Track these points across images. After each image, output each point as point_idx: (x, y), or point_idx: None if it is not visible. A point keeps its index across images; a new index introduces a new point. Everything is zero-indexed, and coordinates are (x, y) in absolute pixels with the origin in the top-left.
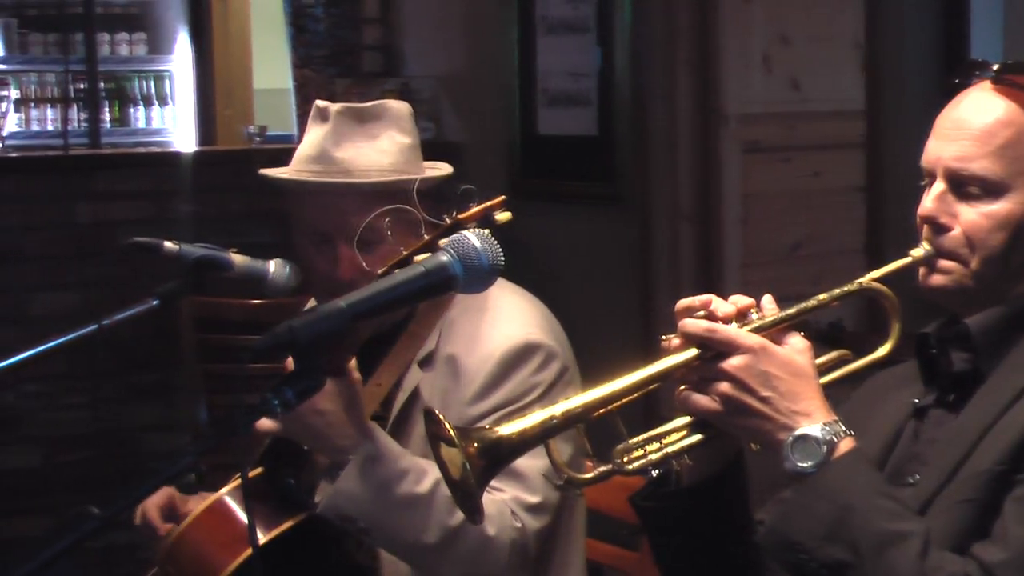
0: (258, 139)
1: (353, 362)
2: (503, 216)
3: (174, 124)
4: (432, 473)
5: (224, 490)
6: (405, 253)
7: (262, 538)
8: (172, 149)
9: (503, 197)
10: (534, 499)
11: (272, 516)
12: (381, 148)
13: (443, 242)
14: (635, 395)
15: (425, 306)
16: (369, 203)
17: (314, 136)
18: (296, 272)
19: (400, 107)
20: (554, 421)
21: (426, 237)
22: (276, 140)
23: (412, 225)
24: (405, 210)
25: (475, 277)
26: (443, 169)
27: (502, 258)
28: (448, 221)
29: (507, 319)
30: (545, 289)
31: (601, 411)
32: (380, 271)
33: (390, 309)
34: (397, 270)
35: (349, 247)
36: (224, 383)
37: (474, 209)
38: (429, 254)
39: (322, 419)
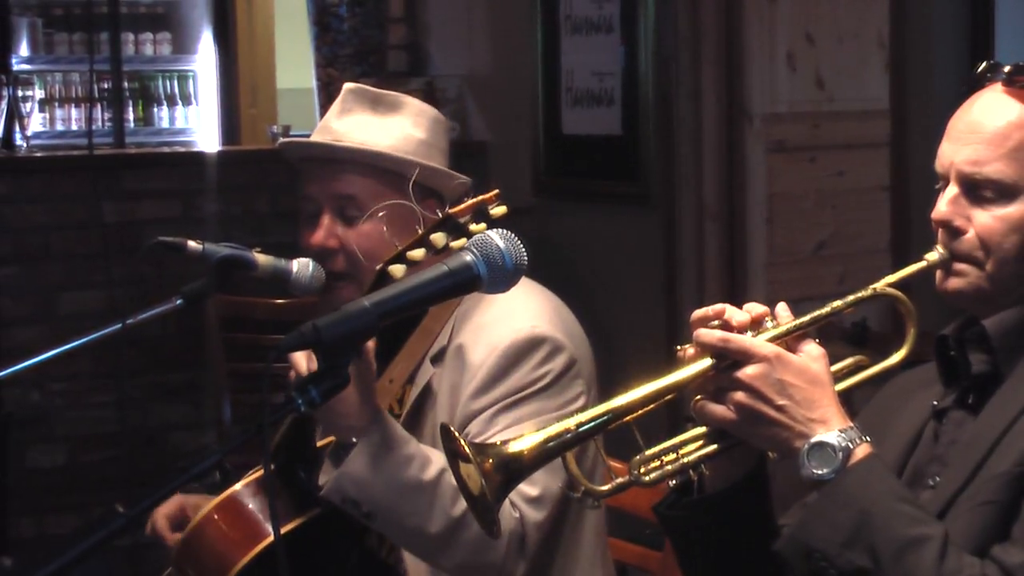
0: (282, 138)
1: (371, 343)
2: (498, 210)
3: (198, 123)
4: (438, 461)
5: (236, 486)
6: (400, 248)
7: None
8: (196, 149)
9: (496, 192)
10: (534, 491)
11: (285, 511)
12: (386, 129)
13: (464, 242)
14: (651, 407)
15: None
16: (355, 174)
17: (327, 113)
18: (320, 271)
19: (423, 105)
20: (569, 435)
21: (420, 231)
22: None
23: (409, 220)
24: (402, 205)
25: (499, 277)
26: (460, 177)
27: (525, 258)
28: (440, 215)
29: (515, 311)
30: (569, 289)
31: (617, 423)
32: (377, 267)
33: (414, 308)
34: (396, 266)
35: (330, 216)
36: (249, 382)
37: (467, 202)
38: (456, 250)
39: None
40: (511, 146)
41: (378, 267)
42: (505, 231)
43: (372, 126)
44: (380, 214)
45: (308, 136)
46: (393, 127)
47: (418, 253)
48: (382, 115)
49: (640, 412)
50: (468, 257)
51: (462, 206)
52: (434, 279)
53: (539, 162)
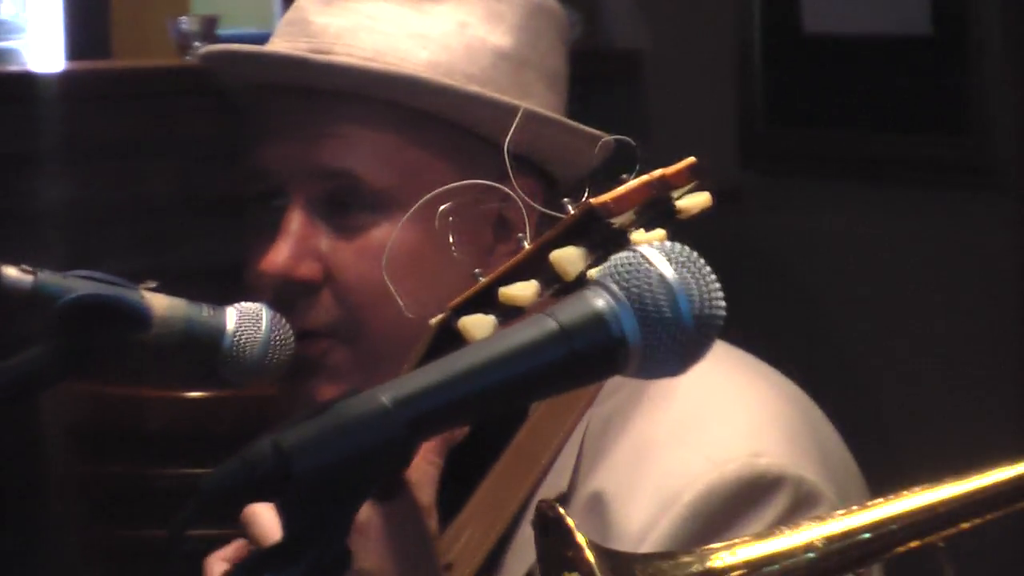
0: (199, 45)
1: (427, 472)
2: (694, 201)
3: (27, 19)
4: None
5: None
6: (484, 281)
7: None
8: (22, 67)
9: (692, 161)
10: None
11: None
12: (418, 28)
13: (595, 272)
14: (985, 518)
15: (550, 401)
16: (363, 124)
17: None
18: (284, 329)
19: None
20: (811, 555)
21: (526, 245)
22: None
23: (479, 222)
24: (470, 191)
25: (665, 343)
26: (590, 133)
27: (721, 303)
28: (571, 210)
29: (710, 419)
30: (816, 332)
31: (912, 544)
32: (432, 321)
33: (482, 411)
34: (472, 318)
35: (305, 213)
36: (133, 563)
37: (630, 184)
38: (571, 293)
39: None
40: (693, 63)
41: (434, 319)
42: (674, 244)
43: (395, 22)
44: (440, 208)
45: (264, 41)
46: (436, 25)
47: (522, 291)
48: (415, 1)
49: (952, 529)
50: (598, 301)
51: (617, 192)
52: (523, 348)
53: (753, 99)
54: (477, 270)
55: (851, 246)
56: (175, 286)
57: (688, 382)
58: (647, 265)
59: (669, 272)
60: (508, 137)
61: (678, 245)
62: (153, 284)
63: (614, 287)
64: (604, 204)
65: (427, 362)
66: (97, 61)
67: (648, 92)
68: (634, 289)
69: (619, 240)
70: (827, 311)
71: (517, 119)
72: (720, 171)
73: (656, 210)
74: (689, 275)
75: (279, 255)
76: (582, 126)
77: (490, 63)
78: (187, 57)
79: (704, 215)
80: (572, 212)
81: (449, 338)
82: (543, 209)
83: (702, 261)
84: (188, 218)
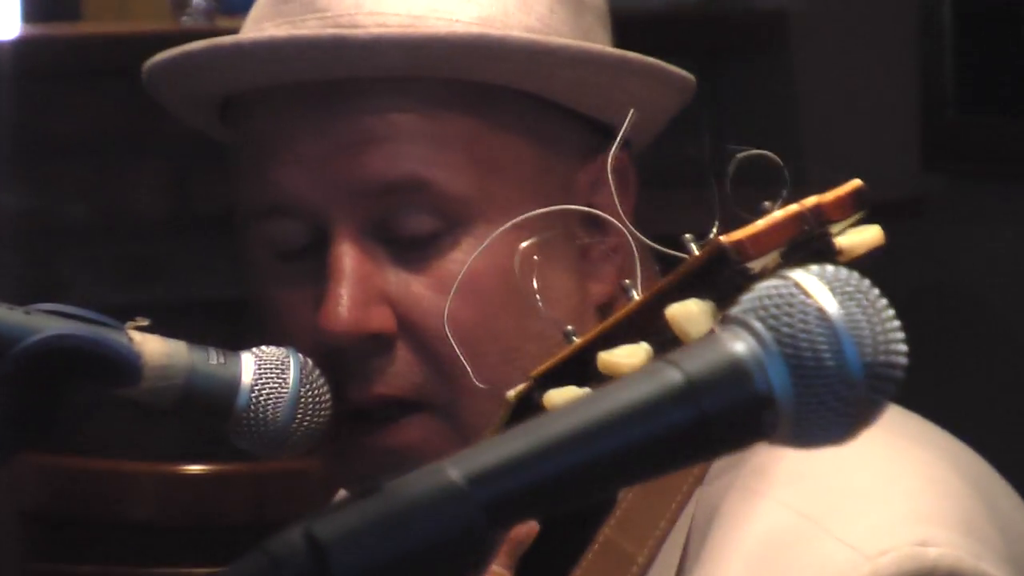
0: (200, 4)
1: None
2: (860, 237)
3: None
4: None
5: None
6: (578, 342)
7: None
8: None
9: (857, 183)
10: None
11: None
12: None
13: (733, 311)
14: None
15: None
16: (426, 110)
17: None
18: (320, 384)
19: None
20: None
21: (635, 295)
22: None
23: (600, 240)
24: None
25: (825, 401)
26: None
27: (902, 344)
28: (695, 248)
29: (860, 504)
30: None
31: None
32: (510, 394)
33: (579, 493)
34: (562, 392)
35: (359, 246)
36: None
37: (772, 217)
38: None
39: None
40: (859, 28)
41: (512, 392)
42: (844, 273)
43: None
44: (521, 246)
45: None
46: None
47: (629, 359)
48: None
49: None
50: (738, 346)
51: (760, 226)
52: (642, 409)
53: (941, 79)
54: (569, 327)
55: None
56: (172, 324)
57: (830, 452)
58: (802, 297)
59: (832, 306)
60: (628, 120)
61: (844, 270)
62: (144, 322)
63: (758, 326)
64: (738, 244)
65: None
66: (64, 24)
67: (796, 67)
68: (785, 329)
69: (745, 273)
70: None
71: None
72: (897, 174)
73: (808, 250)
74: (859, 310)
75: (340, 306)
76: (674, 68)
77: (547, 9)
78: (184, 19)
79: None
80: (696, 252)
81: (532, 416)
82: (657, 247)
83: (876, 292)
84: (184, 235)
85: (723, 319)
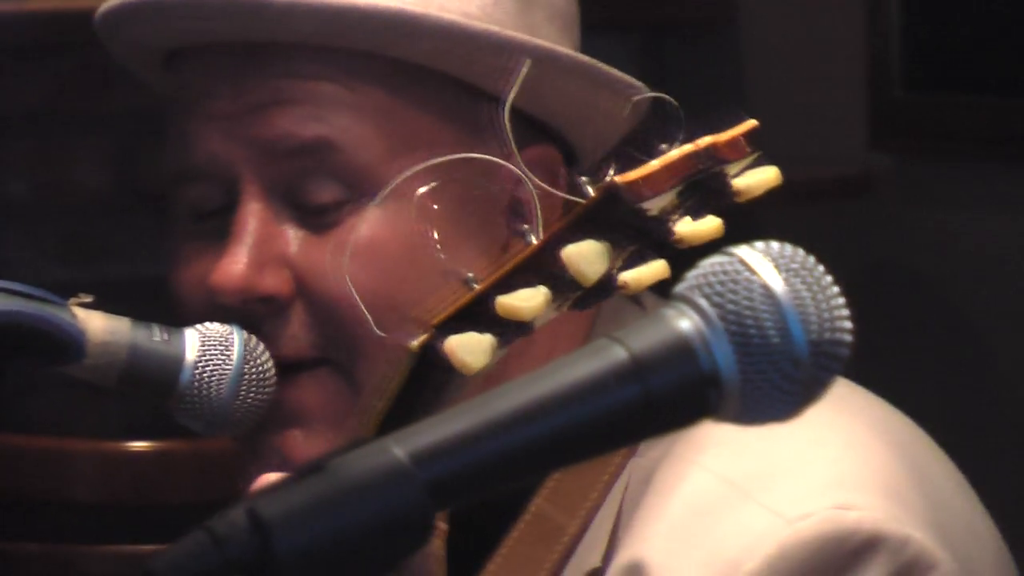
0: None
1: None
2: (757, 178)
3: None
4: None
5: None
6: (477, 289)
7: None
8: None
9: (751, 123)
10: None
11: None
12: None
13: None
14: None
15: None
16: (342, 79)
17: None
18: (263, 353)
19: None
20: None
21: (534, 239)
22: None
23: (485, 204)
24: (484, 163)
25: (770, 378)
26: (632, 85)
27: (846, 321)
28: (591, 191)
29: (786, 472)
30: (964, 355)
31: None
32: (413, 343)
33: (523, 472)
34: (461, 338)
35: (264, 206)
36: None
37: (666, 157)
38: (652, 315)
39: None
40: (807, 5)
41: (415, 341)
42: (789, 251)
43: None
44: (419, 191)
45: None
46: None
47: (527, 301)
48: None
49: None
50: (683, 324)
51: (654, 166)
52: (588, 387)
53: (887, 55)
54: (469, 274)
55: (1012, 247)
56: (115, 301)
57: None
58: (747, 274)
59: (777, 283)
60: (512, 91)
61: (789, 248)
62: (88, 298)
63: (703, 303)
64: (632, 184)
65: (406, 396)
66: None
67: (743, 44)
68: (730, 306)
69: (656, 232)
70: (976, 329)
71: (525, 69)
72: (844, 152)
73: (705, 191)
74: (804, 287)
75: (235, 264)
76: (616, 72)
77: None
78: None
79: (823, 200)
80: (591, 194)
81: (434, 364)
82: (556, 192)
83: (821, 269)
84: (127, 212)
85: (670, 296)
